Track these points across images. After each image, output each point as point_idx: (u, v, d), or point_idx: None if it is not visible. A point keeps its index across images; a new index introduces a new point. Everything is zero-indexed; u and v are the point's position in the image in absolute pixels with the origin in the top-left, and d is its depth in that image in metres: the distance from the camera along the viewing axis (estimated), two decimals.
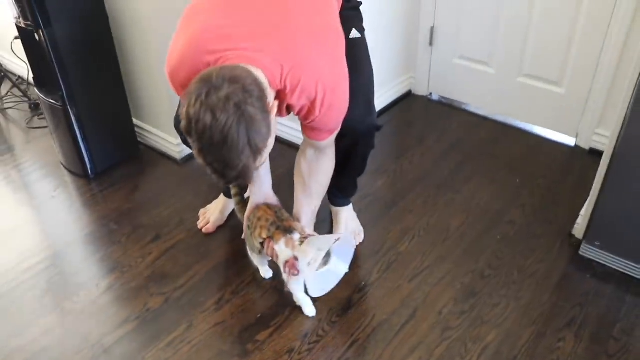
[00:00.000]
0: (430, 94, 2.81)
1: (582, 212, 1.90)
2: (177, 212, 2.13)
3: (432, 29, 2.62)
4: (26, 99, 2.92)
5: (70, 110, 2.19)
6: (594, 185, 1.77)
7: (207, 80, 1.17)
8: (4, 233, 2.10)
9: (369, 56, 1.72)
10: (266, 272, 1.82)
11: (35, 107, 2.85)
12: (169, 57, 1.39)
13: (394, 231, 1.99)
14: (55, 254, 1.99)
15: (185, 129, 1.19)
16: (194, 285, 1.82)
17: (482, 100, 2.64)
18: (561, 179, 2.22)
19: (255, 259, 1.78)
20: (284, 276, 1.61)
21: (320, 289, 1.67)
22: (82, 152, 2.29)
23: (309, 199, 1.70)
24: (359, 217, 2.01)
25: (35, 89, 2.31)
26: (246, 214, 1.71)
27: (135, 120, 2.48)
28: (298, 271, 1.53)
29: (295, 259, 1.53)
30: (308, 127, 1.51)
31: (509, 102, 2.54)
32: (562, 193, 2.14)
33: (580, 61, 2.25)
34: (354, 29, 1.67)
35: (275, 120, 1.31)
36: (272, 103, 1.29)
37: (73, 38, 2.09)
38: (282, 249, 1.57)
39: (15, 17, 2.08)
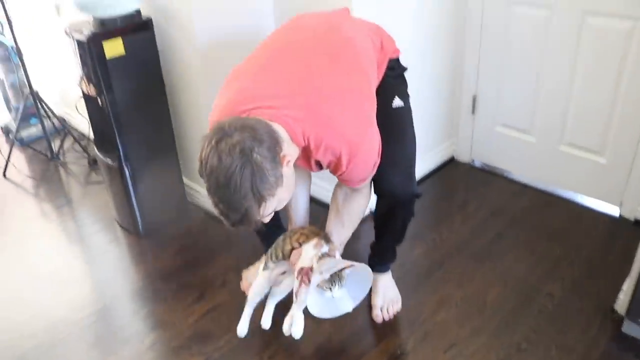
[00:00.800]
0: (473, 160, 2.84)
1: (624, 286, 1.87)
2: (221, 272, 2.19)
3: (474, 97, 2.67)
4: (86, 155, 3.09)
5: (125, 170, 2.32)
6: (636, 257, 1.74)
7: (221, 128, 1.30)
8: (58, 283, 2.21)
9: (412, 124, 1.76)
10: (242, 329, 1.83)
11: (93, 163, 3.01)
12: (212, 112, 1.54)
13: (431, 300, 2.00)
14: (104, 308, 2.08)
15: (199, 170, 1.33)
16: (234, 347, 1.87)
17: (524, 167, 2.65)
18: (604, 251, 2.19)
19: (252, 292, 1.80)
20: (295, 285, 1.59)
21: (317, 311, 1.65)
22: (134, 210, 2.40)
23: (340, 228, 1.74)
24: (396, 284, 2.02)
25: (94, 147, 2.46)
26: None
27: (185, 180, 2.59)
28: (309, 281, 1.53)
29: (311, 269, 1.53)
30: (339, 178, 1.59)
31: (550, 170, 2.54)
32: (604, 265, 2.11)
33: (622, 130, 2.24)
34: (396, 97, 1.73)
35: (290, 172, 1.39)
36: (288, 156, 1.36)
37: (132, 103, 2.24)
38: (309, 251, 1.58)
39: (80, 81, 2.23)
